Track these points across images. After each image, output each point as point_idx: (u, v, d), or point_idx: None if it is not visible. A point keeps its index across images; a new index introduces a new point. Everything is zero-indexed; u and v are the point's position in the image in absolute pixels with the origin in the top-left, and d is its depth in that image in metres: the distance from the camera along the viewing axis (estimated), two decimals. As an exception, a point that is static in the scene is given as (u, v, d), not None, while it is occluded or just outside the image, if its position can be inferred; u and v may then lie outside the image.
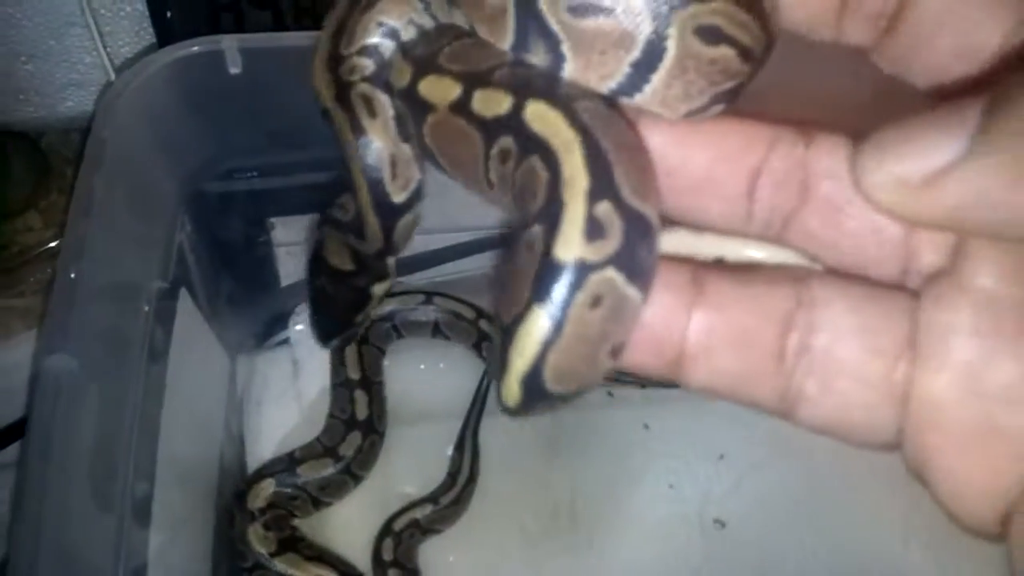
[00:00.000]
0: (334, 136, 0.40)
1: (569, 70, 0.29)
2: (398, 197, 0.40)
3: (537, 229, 0.27)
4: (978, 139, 0.22)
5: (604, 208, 0.26)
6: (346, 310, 0.51)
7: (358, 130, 0.39)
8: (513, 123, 0.28)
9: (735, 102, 0.29)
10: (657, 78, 0.28)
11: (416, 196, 0.41)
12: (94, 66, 0.79)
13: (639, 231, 0.27)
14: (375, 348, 0.78)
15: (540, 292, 0.26)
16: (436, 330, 0.79)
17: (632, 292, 0.27)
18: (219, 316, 0.74)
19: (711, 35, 0.28)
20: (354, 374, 0.74)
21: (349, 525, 0.71)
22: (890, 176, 0.23)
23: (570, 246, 0.26)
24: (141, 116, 0.61)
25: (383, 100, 0.38)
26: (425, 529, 0.70)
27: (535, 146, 0.28)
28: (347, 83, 0.38)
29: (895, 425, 0.27)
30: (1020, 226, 0.22)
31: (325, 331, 0.55)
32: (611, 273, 0.26)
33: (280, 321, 0.79)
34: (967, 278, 0.26)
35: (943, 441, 0.26)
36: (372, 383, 0.75)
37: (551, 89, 0.28)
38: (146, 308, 0.60)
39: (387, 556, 0.67)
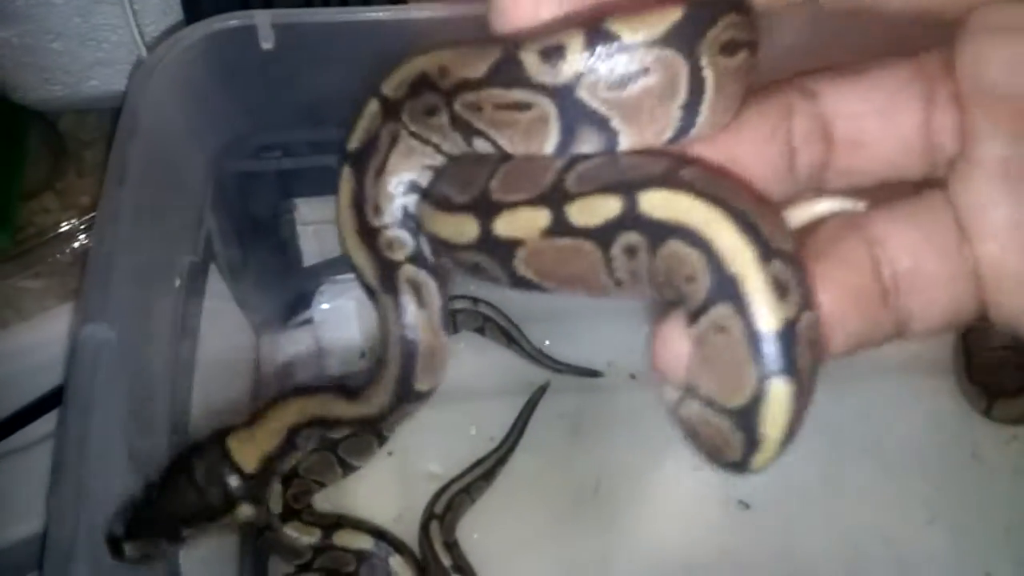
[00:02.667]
0: (377, 313, 0.40)
1: (625, 142, 0.30)
2: (422, 386, 0.41)
3: (723, 309, 0.27)
4: None
5: (775, 266, 0.27)
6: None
7: (404, 318, 0.39)
8: (631, 219, 0.28)
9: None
10: (705, 107, 0.30)
11: (434, 390, 0.42)
12: (119, 45, 0.78)
13: (798, 266, 0.28)
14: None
15: (770, 365, 0.27)
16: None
17: (817, 317, 0.28)
18: (244, 295, 0.74)
19: (731, 48, 0.29)
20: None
21: (373, 501, 0.71)
22: None
23: (775, 313, 0.27)
24: (173, 91, 0.61)
25: (432, 288, 0.38)
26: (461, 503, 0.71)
27: (669, 231, 0.28)
28: (390, 263, 0.38)
29: (978, 301, 0.29)
30: None
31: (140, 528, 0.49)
32: (808, 317, 0.28)
33: (303, 301, 0.79)
34: (979, 153, 0.28)
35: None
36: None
37: (650, 174, 0.29)
38: (178, 282, 0.60)
39: (438, 510, 0.69)
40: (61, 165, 0.91)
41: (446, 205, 0.33)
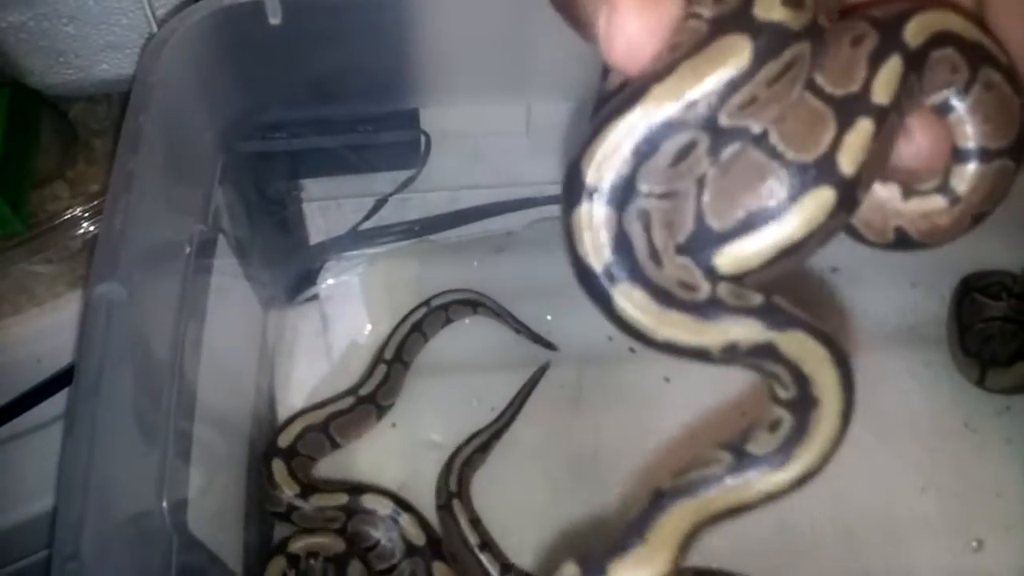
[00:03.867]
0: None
1: None
2: None
3: None
4: None
5: None
6: None
7: None
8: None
9: None
10: None
11: None
12: (130, 28, 0.80)
13: None
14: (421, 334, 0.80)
15: None
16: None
17: None
18: (251, 270, 0.76)
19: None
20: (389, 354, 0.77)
21: (378, 469, 0.73)
22: None
23: None
24: (183, 65, 0.63)
25: None
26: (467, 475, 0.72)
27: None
28: None
29: None
30: None
31: None
32: None
33: (309, 277, 0.81)
34: None
35: None
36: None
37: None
38: (187, 249, 0.62)
39: (453, 487, 0.70)
40: (71, 153, 0.92)
41: None
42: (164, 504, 0.55)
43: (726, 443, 0.36)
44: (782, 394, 0.35)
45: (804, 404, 0.33)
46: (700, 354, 0.34)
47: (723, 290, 0.32)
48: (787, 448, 0.35)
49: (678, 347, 0.33)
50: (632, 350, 0.78)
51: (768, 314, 0.32)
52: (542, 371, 0.77)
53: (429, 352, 0.78)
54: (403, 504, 0.70)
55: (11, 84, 0.80)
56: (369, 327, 0.79)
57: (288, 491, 0.68)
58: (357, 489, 0.70)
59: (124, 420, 0.53)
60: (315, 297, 0.79)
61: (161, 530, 0.54)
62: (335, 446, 0.73)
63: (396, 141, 0.77)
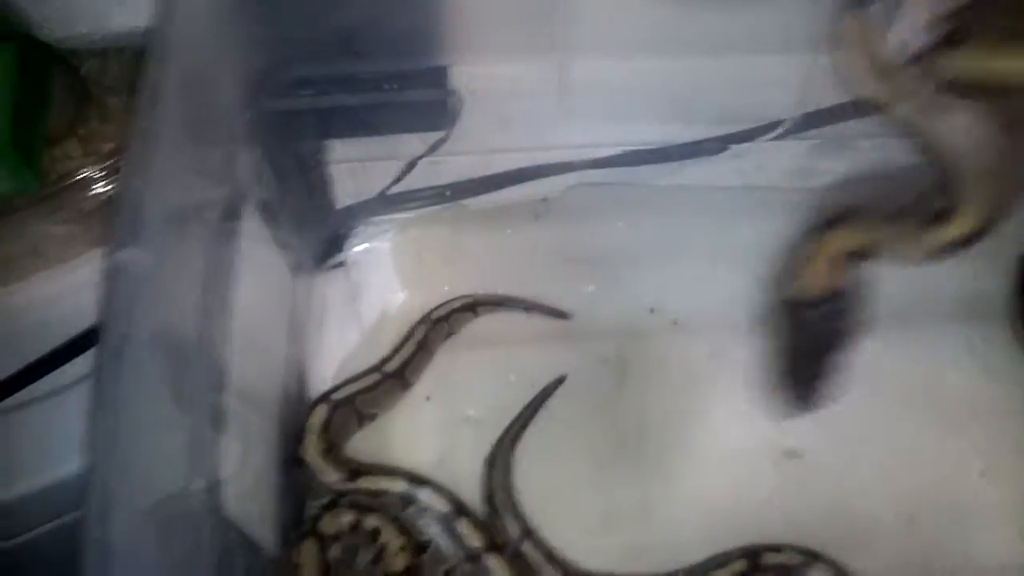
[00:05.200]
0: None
1: None
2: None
3: None
4: None
5: None
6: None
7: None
8: None
9: None
10: None
11: None
12: (144, -21, 0.76)
13: None
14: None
15: None
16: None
17: None
18: (278, 234, 0.71)
19: None
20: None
21: (412, 445, 0.70)
22: None
23: None
24: (203, 16, 0.59)
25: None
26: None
27: None
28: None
29: None
30: None
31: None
32: None
33: (337, 243, 0.77)
34: None
35: None
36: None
37: None
38: (212, 212, 0.58)
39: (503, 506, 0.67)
40: (84, 111, 0.88)
41: None
42: (196, 481, 0.52)
43: None
44: None
45: None
46: None
47: None
48: None
49: None
50: (675, 323, 0.75)
51: None
52: (559, 382, 0.73)
53: (471, 325, 0.75)
54: (461, 507, 0.66)
55: (21, 37, 0.76)
56: (402, 296, 0.75)
57: (333, 475, 0.65)
58: (414, 480, 0.66)
59: (152, 392, 0.49)
60: (343, 264, 0.75)
61: (193, 508, 0.51)
62: (365, 423, 0.70)
63: (425, 100, 0.73)
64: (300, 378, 0.70)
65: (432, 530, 0.64)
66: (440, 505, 0.65)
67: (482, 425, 0.70)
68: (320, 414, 0.67)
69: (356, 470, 0.66)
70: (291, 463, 0.66)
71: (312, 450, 0.66)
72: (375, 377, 0.70)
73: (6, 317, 0.82)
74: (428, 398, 0.72)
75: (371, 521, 0.63)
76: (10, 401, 0.73)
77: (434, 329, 0.74)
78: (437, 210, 0.76)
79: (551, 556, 0.64)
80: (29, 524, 0.75)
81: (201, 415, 0.53)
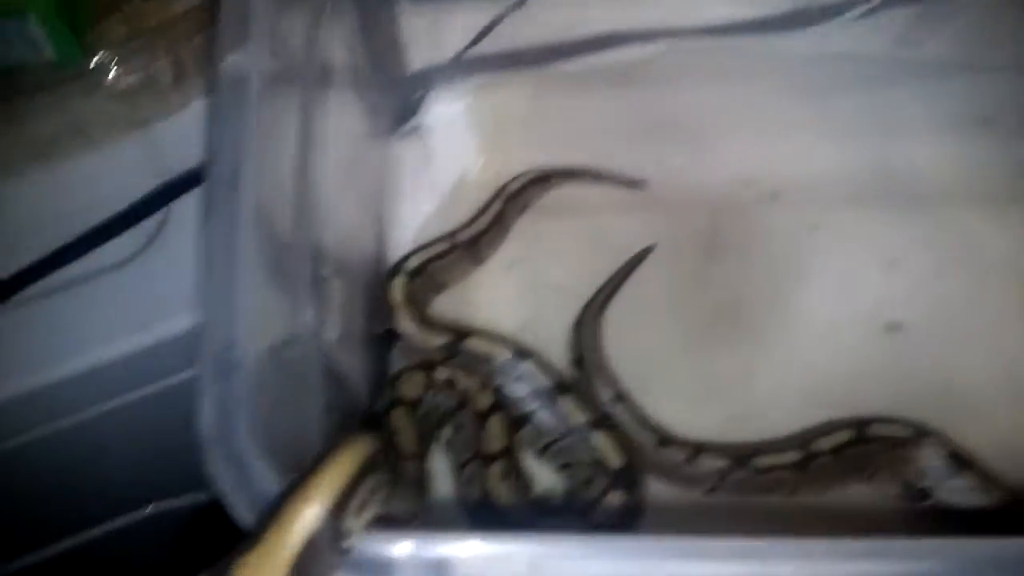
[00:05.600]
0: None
1: None
2: None
3: None
4: None
5: None
6: None
7: None
8: None
9: None
10: None
11: None
12: None
13: None
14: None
15: None
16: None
17: None
18: (357, 100, 0.67)
19: None
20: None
21: (495, 311, 0.66)
22: None
23: None
24: None
25: None
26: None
27: None
28: None
29: None
30: None
31: None
32: None
33: (412, 108, 0.72)
34: None
35: None
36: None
37: None
38: (301, 79, 0.53)
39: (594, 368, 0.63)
40: (127, -14, 0.84)
41: None
42: (301, 333, 0.48)
43: None
44: None
45: None
46: None
47: None
48: None
49: None
50: (773, 196, 0.71)
51: None
52: (646, 252, 0.69)
53: (552, 191, 0.71)
54: (563, 382, 0.62)
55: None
56: (479, 163, 0.71)
57: (433, 339, 0.62)
58: (520, 351, 0.62)
59: (259, 232, 0.45)
60: (418, 130, 0.71)
61: (298, 362, 0.48)
62: (440, 291, 0.67)
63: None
64: (379, 242, 0.67)
65: (532, 404, 0.61)
66: (543, 379, 0.61)
67: (568, 292, 0.66)
68: (401, 282, 0.64)
69: (458, 333, 0.63)
70: (383, 333, 0.63)
71: (404, 319, 0.63)
72: (446, 245, 0.67)
73: (48, 196, 0.79)
74: (510, 266, 0.68)
75: (463, 381, 0.60)
76: (53, 279, 0.70)
77: (510, 204, 0.70)
78: (517, 74, 0.72)
79: (644, 421, 0.61)
80: (82, 402, 0.73)
81: (298, 273, 0.50)
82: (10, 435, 0.76)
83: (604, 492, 0.57)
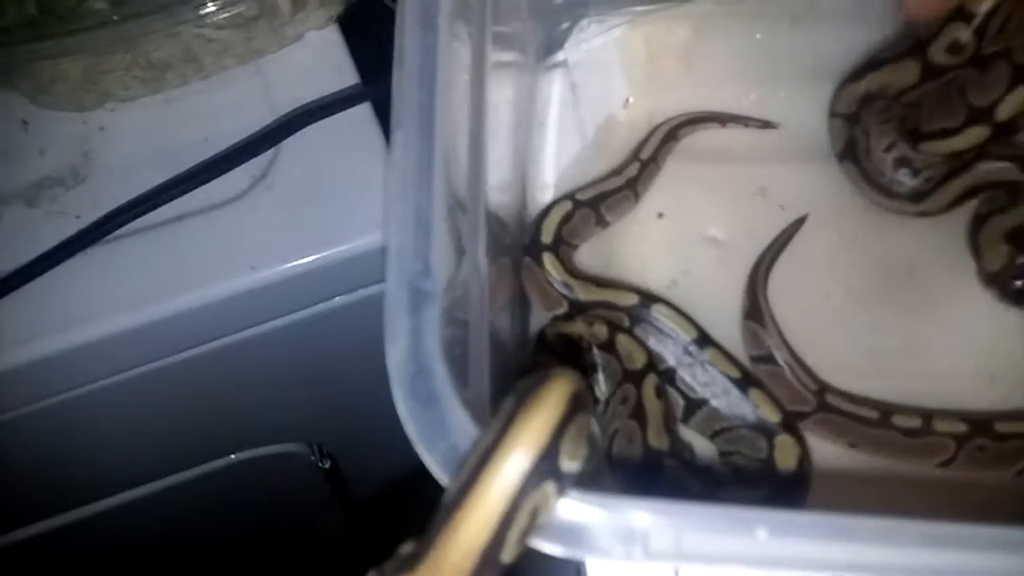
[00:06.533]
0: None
1: None
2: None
3: None
4: None
5: None
6: None
7: None
8: None
9: None
10: None
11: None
12: None
13: None
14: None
15: None
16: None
17: None
18: (498, 26, 0.62)
19: None
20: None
21: (644, 264, 0.62)
22: None
23: None
24: None
25: None
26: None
27: None
28: None
29: None
30: None
31: None
32: None
33: (557, 40, 0.67)
34: None
35: None
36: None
37: None
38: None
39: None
40: None
41: None
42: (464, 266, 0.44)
43: None
44: None
45: None
46: None
47: None
48: None
49: None
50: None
51: None
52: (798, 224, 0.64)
53: (704, 138, 0.65)
54: (706, 335, 0.58)
55: None
56: (630, 100, 0.66)
57: (579, 293, 0.58)
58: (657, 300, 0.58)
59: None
60: (563, 63, 0.66)
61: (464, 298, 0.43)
62: (588, 237, 0.62)
63: None
64: (522, 180, 0.62)
65: (677, 358, 0.57)
66: (686, 333, 0.57)
67: (726, 247, 0.61)
68: (557, 214, 0.60)
69: (596, 281, 0.59)
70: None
71: (553, 268, 0.59)
72: (595, 192, 0.62)
73: (158, 125, 0.76)
74: (660, 215, 0.63)
75: (603, 330, 0.56)
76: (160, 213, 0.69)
77: (662, 148, 0.65)
78: (674, 6, 0.66)
79: (807, 370, 0.57)
80: (180, 344, 0.73)
81: (467, 213, 0.45)
82: (111, 373, 0.75)
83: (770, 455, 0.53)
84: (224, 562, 1.05)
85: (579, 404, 0.33)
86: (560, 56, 0.66)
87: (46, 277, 0.67)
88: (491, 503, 0.31)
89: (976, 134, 0.57)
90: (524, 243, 0.60)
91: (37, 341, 0.66)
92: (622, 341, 0.55)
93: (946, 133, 0.58)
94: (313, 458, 0.98)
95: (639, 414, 0.53)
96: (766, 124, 0.66)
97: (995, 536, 0.33)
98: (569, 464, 0.32)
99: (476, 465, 0.31)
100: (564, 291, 0.58)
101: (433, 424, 0.33)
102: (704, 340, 0.57)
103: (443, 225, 0.36)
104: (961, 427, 0.55)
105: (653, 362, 0.55)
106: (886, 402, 0.57)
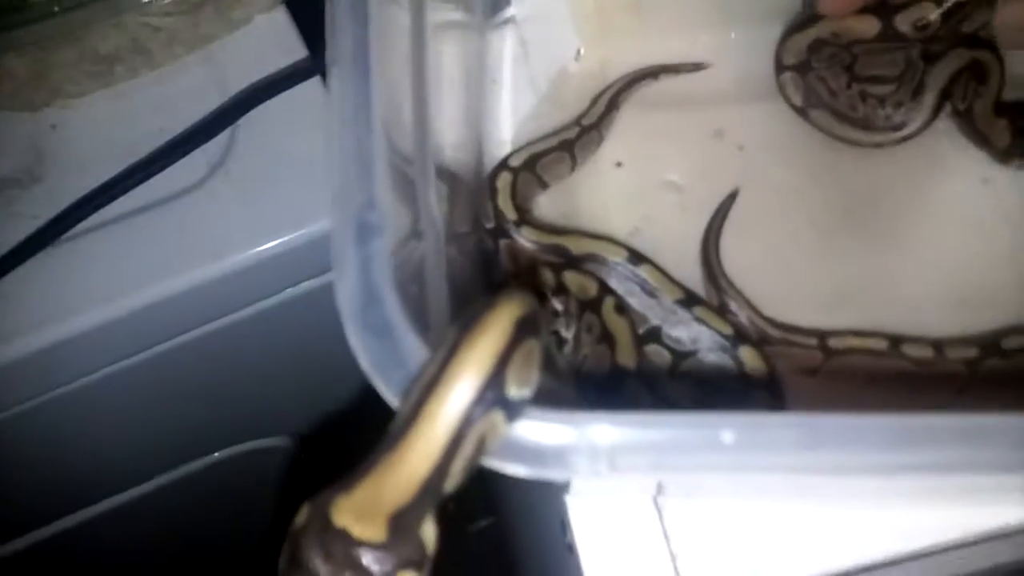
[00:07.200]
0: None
1: None
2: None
3: None
4: None
5: None
6: None
7: None
8: None
9: None
10: None
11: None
12: None
13: None
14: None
15: None
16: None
17: None
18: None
19: None
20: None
21: (604, 213, 0.61)
22: None
23: None
24: None
25: None
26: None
27: None
28: None
29: None
30: None
31: None
32: None
33: (502, -4, 0.67)
34: None
35: None
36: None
37: None
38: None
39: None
40: None
41: None
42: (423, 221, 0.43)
43: None
44: None
45: None
46: None
47: None
48: None
49: None
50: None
51: None
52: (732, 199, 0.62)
53: (657, 85, 0.65)
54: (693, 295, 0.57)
55: None
56: (582, 51, 0.65)
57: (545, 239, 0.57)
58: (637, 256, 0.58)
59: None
60: (512, 19, 0.65)
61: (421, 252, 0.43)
62: (545, 186, 0.61)
63: None
64: (477, 139, 0.61)
65: (661, 318, 0.56)
66: (671, 294, 0.56)
67: (686, 192, 0.61)
68: (506, 180, 0.59)
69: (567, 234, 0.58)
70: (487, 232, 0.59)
71: (510, 217, 0.58)
72: (552, 142, 0.62)
73: (110, 118, 0.74)
74: (619, 163, 0.62)
75: (549, 276, 0.56)
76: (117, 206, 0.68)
77: (618, 97, 0.65)
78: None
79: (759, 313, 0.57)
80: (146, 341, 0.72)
81: (413, 166, 0.45)
82: (79, 375, 0.74)
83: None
84: (219, 561, 1.04)
85: (527, 329, 0.32)
86: (508, 12, 0.65)
87: (7, 280, 0.66)
88: (434, 435, 0.30)
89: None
90: (488, 227, 0.59)
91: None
92: (569, 277, 0.55)
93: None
94: (297, 451, 0.98)
95: (606, 336, 0.52)
96: (696, 67, 0.66)
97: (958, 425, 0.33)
98: (518, 391, 0.32)
99: (419, 396, 0.31)
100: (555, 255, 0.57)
101: (387, 353, 0.32)
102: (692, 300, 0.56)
103: (384, 158, 0.35)
104: (972, 351, 0.54)
105: (605, 286, 0.55)
106: (891, 333, 0.56)
